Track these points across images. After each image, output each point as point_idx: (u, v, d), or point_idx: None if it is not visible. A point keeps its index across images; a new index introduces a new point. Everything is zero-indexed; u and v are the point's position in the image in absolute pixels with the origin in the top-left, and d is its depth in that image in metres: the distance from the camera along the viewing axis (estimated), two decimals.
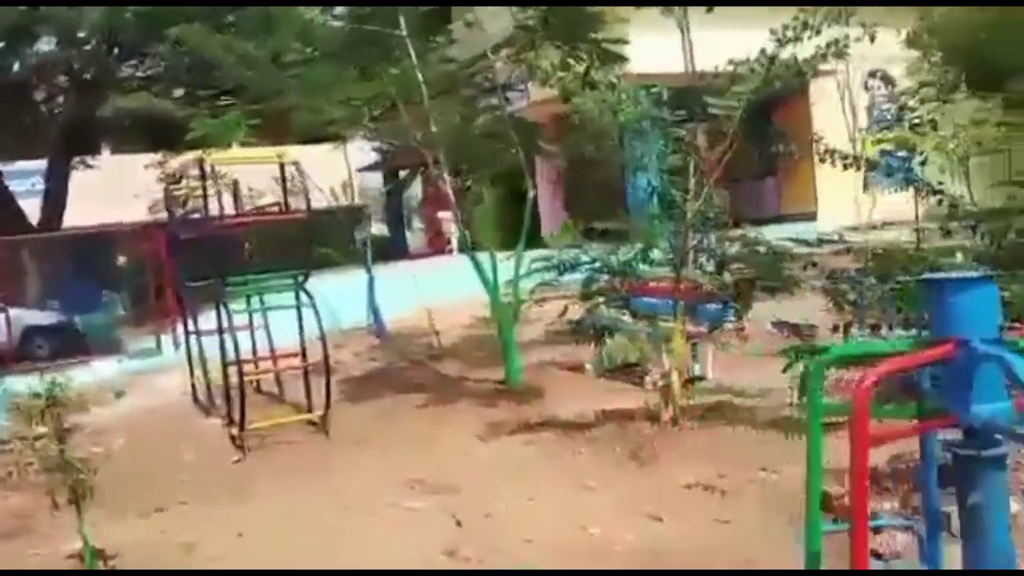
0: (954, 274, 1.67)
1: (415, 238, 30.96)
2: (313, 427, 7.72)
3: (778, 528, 4.47)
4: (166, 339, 12.65)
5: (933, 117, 11.89)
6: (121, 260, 20.75)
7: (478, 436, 6.87)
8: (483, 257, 8.59)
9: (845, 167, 7.13)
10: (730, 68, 11.05)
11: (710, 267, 6.61)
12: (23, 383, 6.62)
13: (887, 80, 17.79)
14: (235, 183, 9.80)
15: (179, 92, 19.70)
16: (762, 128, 18.77)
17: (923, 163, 11.59)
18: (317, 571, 4.67)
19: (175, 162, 16.22)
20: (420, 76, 8.79)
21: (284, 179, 8.01)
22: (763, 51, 10.80)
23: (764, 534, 4.40)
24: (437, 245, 23.41)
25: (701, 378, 7.56)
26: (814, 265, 7.09)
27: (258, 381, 9.22)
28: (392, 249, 26.13)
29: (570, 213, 18.62)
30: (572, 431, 6.64)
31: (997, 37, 10.15)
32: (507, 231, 9.81)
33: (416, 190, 29.51)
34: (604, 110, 10.10)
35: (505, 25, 8.99)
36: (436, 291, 11.51)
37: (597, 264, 6.27)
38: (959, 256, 4.82)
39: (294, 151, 14.55)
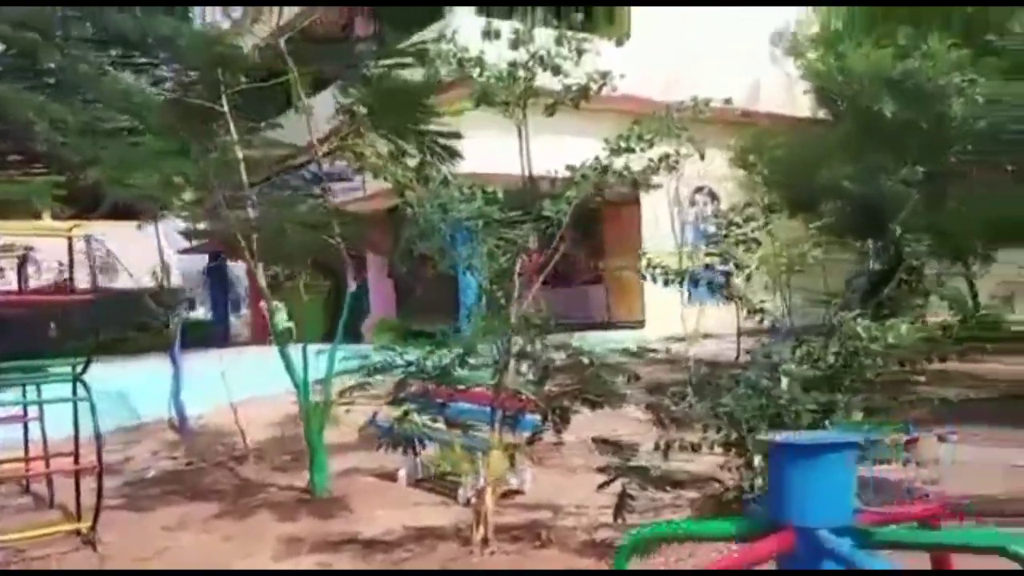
0: (800, 436, 1.29)
1: (243, 324, 29.67)
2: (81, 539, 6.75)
3: None
4: None
5: (755, 236, 12.27)
6: None
7: (271, 556, 6.14)
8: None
9: (666, 283, 7.04)
10: (566, 173, 11.09)
11: (531, 375, 6.26)
12: None
13: (712, 196, 18.58)
14: (23, 258, 8.85)
15: None
16: (590, 237, 19.12)
17: (748, 278, 11.93)
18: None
19: None
20: (240, 156, 8.25)
21: (72, 254, 7.18)
22: (596, 158, 10.92)
23: None
24: (264, 334, 22.28)
25: (519, 492, 7.16)
26: (638, 378, 6.89)
27: (27, 481, 8.26)
28: (214, 336, 24.85)
29: (402, 311, 18.18)
30: (376, 551, 6.03)
31: (812, 161, 10.67)
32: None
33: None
34: (434, 206, 9.82)
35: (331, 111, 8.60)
36: (256, 383, 10.62)
37: (412, 368, 5.80)
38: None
39: (102, 226, 13.55)
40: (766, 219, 11.91)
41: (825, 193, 10.24)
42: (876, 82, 8.75)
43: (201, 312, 34.76)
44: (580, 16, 12.84)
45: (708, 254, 14.44)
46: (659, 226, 16.89)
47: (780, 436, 1.33)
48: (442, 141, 7.48)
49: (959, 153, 8.37)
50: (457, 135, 7.72)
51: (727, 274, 14.05)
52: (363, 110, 6.87)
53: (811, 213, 10.82)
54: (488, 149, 14.48)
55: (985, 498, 6.69)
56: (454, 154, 7.68)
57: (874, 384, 5.94)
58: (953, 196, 8.90)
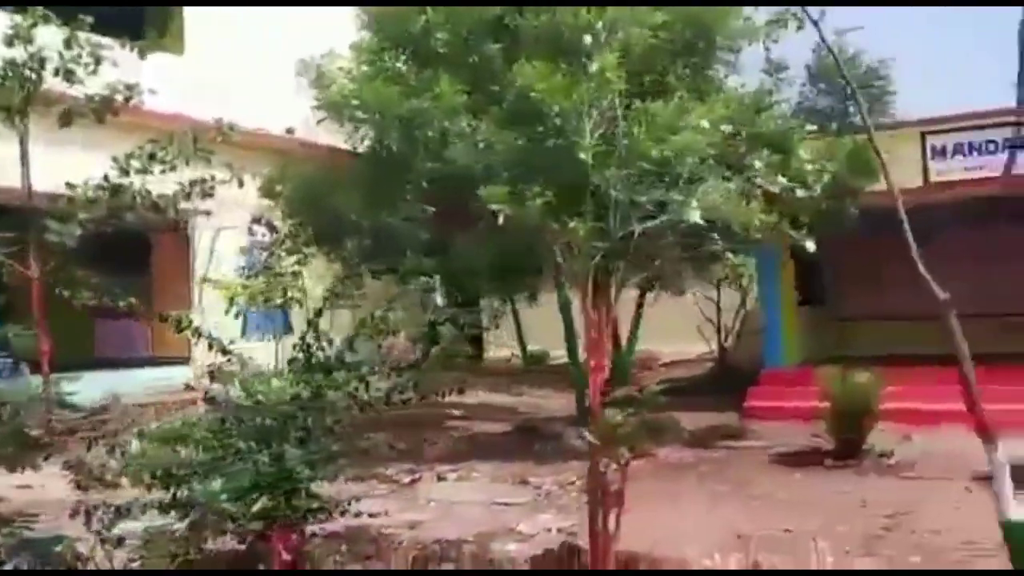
0: None
1: None
2: None
3: None
4: None
5: (295, 269, 11.78)
6: None
7: None
8: None
9: (179, 330, 6.19)
10: (73, 191, 9.73)
11: None
12: None
13: (272, 228, 17.90)
14: None
15: None
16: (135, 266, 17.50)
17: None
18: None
19: None
20: None
21: None
22: (106, 177, 9.67)
23: None
24: None
25: None
26: (67, 432, 5.96)
27: None
28: None
29: None
30: None
31: (327, 193, 10.45)
32: None
33: None
34: None
35: None
36: None
37: None
38: None
39: None
40: (302, 253, 11.48)
41: (346, 227, 10.03)
42: (387, 118, 8.68)
43: None
44: (90, 19, 11.46)
45: (243, 287, 13.71)
46: (219, 257, 15.95)
47: None
48: None
49: (454, 197, 8.51)
50: None
51: (282, 308, 13.34)
52: None
53: (337, 246, 10.55)
54: None
55: (454, 542, 6.67)
56: None
57: (332, 431, 5.57)
58: (462, 239, 9.05)
